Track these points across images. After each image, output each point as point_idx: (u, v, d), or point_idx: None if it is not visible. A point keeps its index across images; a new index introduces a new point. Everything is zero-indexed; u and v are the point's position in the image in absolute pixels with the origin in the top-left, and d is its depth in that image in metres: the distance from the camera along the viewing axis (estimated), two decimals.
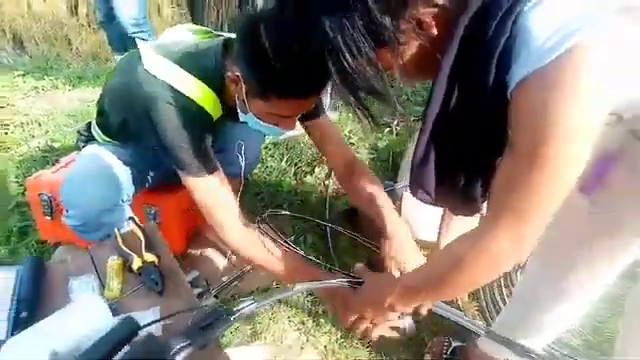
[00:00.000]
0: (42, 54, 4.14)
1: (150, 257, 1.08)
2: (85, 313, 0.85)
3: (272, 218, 1.30)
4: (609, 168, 1.02)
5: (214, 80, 1.18)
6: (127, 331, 0.75)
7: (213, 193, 1.20)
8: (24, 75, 3.50)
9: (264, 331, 1.65)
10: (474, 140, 0.79)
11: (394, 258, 1.27)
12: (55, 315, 0.84)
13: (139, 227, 1.16)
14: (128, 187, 1.40)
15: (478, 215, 1.08)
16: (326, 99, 2.46)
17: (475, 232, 0.84)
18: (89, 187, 1.31)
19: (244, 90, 1.11)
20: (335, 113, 2.54)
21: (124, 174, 1.37)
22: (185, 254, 1.78)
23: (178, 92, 1.14)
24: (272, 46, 0.98)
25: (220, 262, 1.73)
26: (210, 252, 1.77)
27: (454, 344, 1.58)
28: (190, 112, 1.15)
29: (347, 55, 0.73)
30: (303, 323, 1.70)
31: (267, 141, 2.37)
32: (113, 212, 1.36)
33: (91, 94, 3.23)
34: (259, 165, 2.28)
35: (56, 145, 2.64)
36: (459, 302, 1.79)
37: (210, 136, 1.25)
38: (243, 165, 1.33)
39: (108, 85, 1.38)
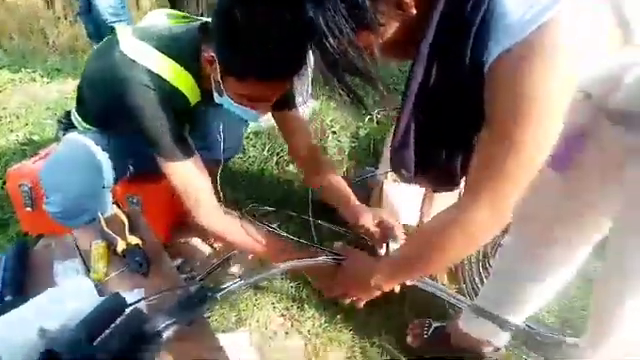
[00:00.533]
0: (17, 48, 4.06)
1: (134, 240, 1.09)
2: (72, 293, 0.86)
3: (254, 210, 1.32)
4: (579, 146, 1.06)
5: (191, 63, 1.18)
6: (114, 307, 0.76)
7: (190, 177, 1.21)
8: (0, 68, 3.44)
9: (249, 317, 1.67)
10: (453, 117, 0.82)
11: (380, 222, 1.33)
12: (42, 295, 0.85)
13: (122, 211, 1.16)
14: (108, 174, 1.40)
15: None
16: (307, 88, 2.48)
17: (454, 208, 0.87)
18: (70, 171, 1.31)
19: (219, 71, 1.11)
20: (316, 102, 2.55)
21: (105, 160, 1.37)
22: (170, 243, 1.79)
23: (155, 74, 1.14)
24: (248, 27, 0.97)
25: (205, 250, 1.75)
26: (195, 240, 1.78)
27: (434, 325, 1.62)
28: (167, 95, 1.16)
29: (329, 36, 0.75)
30: (287, 309, 1.72)
31: (249, 131, 2.38)
32: (93, 198, 1.36)
33: (69, 86, 3.19)
34: (241, 155, 2.29)
35: (35, 138, 2.61)
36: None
37: (188, 121, 1.25)
38: (222, 145, 1.33)
39: (86, 71, 1.38)
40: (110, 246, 1.09)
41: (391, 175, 2.04)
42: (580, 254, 1.27)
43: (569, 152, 1.07)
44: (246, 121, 2.24)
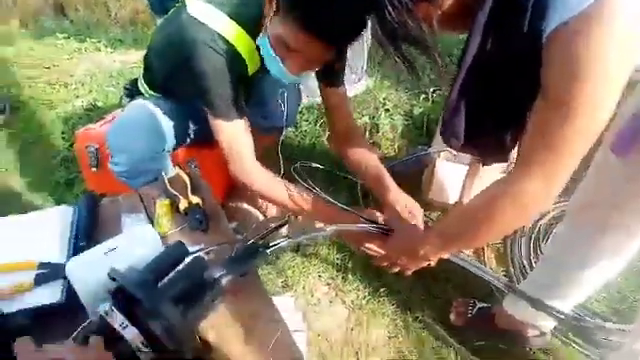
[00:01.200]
0: (82, 19, 4.25)
1: (195, 199, 1.15)
2: (139, 238, 0.92)
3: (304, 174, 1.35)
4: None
5: (256, 30, 1.20)
6: (177, 254, 0.81)
7: (237, 135, 1.25)
8: (67, 38, 3.62)
9: (295, 284, 1.73)
10: (507, 87, 0.81)
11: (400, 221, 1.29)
12: (112, 239, 0.91)
13: (185, 172, 1.22)
14: (170, 138, 1.47)
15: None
16: (363, 65, 2.47)
17: (507, 178, 0.87)
18: (135, 133, 1.38)
19: (274, 7, 1.09)
20: (370, 79, 2.54)
21: (168, 125, 1.44)
22: (223, 207, 1.86)
23: (221, 37, 1.17)
24: None
25: (257, 215, 1.80)
26: (246, 206, 1.84)
27: (479, 305, 1.62)
28: (230, 58, 1.19)
29: (388, 6, 0.76)
30: (333, 279, 1.76)
31: (302, 106, 2.40)
32: (155, 160, 1.43)
33: (131, 57, 3.32)
34: (293, 129, 2.33)
35: (99, 104, 2.74)
36: (487, 266, 1.82)
37: (244, 86, 1.28)
38: (285, 111, 1.36)
39: (154, 38, 1.43)
40: (173, 204, 1.15)
41: (444, 154, 2.02)
42: (635, 243, 1.23)
43: (632, 136, 1.03)
44: (300, 96, 2.29)
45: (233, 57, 1.20)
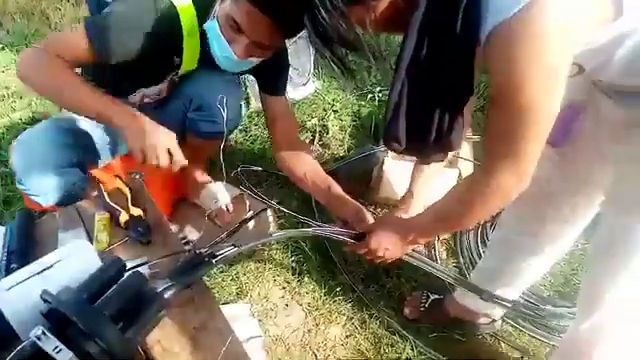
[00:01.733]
0: (20, 29, 4.06)
1: (136, 211, 1.12)
2: (75, 257, 0.89)
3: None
4: (575, 120, 1.07)
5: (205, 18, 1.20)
6: (115, 270, 0.79)
7: (71, 50, 1.18)
8: (2, 49, 3.45)
9: (250, 290, 1.71)
10: (443, 88, 0.84)
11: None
12: (44, 258, 0.87)
13: (124, 183, 1.19)
14: (79, 150, 1.41)
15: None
16: (309, 68, 2.48)
17: (479, 177, 0.93)
18: (33, 149, 1.32)
19: None
20: (318, 82, 2.56)
21: (83, 137, 1.38)
22: (172, 219, 1.82)
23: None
24: None
25: (206, 226, 1.77)
26: (196, 216, 1.80)
27: (432, 297, 1.65)
28: (165, 13, 1.18)
29: (321, 9, 0.76)
30: (288, 282, 1.76)
31: (251, 110, 2.39)
32: (62, 176, 1.36)
33: None
34: (243, 134, 2.31)
35: (38, 117, 2.63)
36: (438, 260, 1.86)
37: (175, 53, 1.26)
38: (225, 116, 1.34)
39: None
40: (112, 218, 1.12)
41: (392, 152, 2.05)
42: (576, 229, 1.29)
43: (565, 127, 1.08)
44: (245, 97, 2.27)
45: (171, 16, 1.18)
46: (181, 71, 1.35)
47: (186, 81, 1.38)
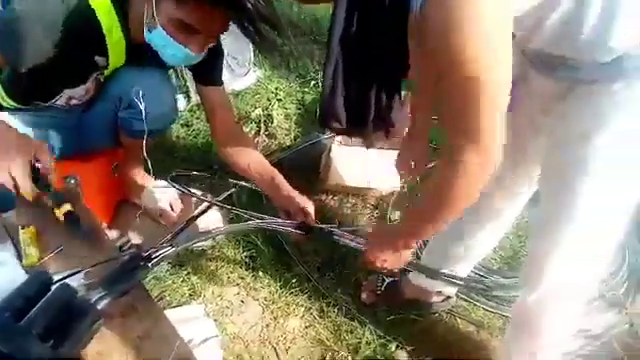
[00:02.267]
0: None
1: (66, 207, 1.02)
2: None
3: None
4: (512, 92, 1.08)
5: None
6: (38, 284, 0.72)
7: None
8: None
9: (203, 289, 1.66)
10: (378, 63, 0.81)
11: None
12: None
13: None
14: None
15: None
16: (250, 57, 2.42)
17: (442, 165, 0.87)
18: None
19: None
20: (260, 71, 2.50)
21: None
22: (113, 223, 1.73)
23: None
24: None
25: (151, 228, 1.70)
26: (139, 218, 1.73)
27: (387, 280, 1.66)
28: (82, 13, 1.10)
29: None
30: (242, 278, 1.71)
31: (192, 103, 2.31)
32: None
33: None
34: (185, 128, 2.23)
35: None
36: None
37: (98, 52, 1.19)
38: (142, 109, 1.27)
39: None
40: (38, 233, 1.03)
41: (338, 138, 2.04)
42: (518, 202, 1.31)
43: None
44: (185, 91, 2.19)
45: (87, 15, 1.11)
46: (108, 70, 1.27)
47: (113, 80, 1.31)
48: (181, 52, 1.12)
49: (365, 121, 0.89)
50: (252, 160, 1.36)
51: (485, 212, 1.31)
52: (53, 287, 0.74)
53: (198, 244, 1.57)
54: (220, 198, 1.24)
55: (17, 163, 0.96)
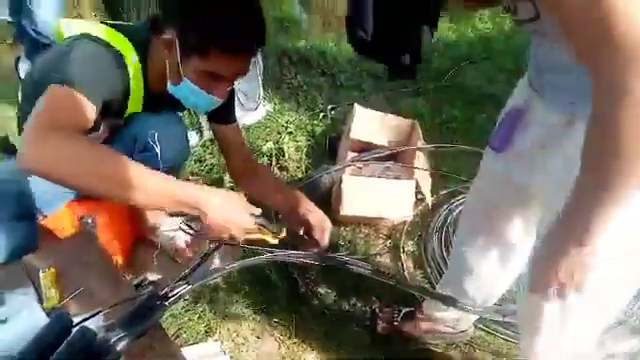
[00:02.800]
0: None
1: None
2: (22, 321, 0.83)
3: None
4: (517, 125, 1.07)
5: (141, 50, 1.18)
6: (60, 327, 0.73)
7: (63, 104, 0.99)
8: None
9: (218, 326, 1.65)
10: None
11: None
12: None
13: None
14: (26, 199, 1.34)
15: None
16: (259, 92, 2.47)
17: (598, 101, 0.67)
18: None
19: (179, 51, 1.10)
20: (269, 104, 2.55)
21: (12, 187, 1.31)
22: (129, 261, 1.75)
23: (102, 40, 1.12)
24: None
25: (167, 265, 1.72)
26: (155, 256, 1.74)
27: (403, 310, 1.64)
28: (111, 53, 1.13)
29: None
30: (257, 313, 1.70)
31: (204, 138, 2.35)
32: (11, 230, 1.27)
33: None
34: (198, 164, 2.27)
35: None
36: (405, 272, 1.86)
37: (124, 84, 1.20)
38: (158, 151, 1.31)
39: (26, 80, 1.33)
40: (58, 275, 1.05)
41: (349, 169, 2.06)
42: (526, 242, 1.24)
43: (508, 131, 1.07)
44: (198, 127, 2.24)
45: (115, 54, 1.14)
46: (126, 114, 1.31)
47: (128, 123, 1.34)
48: (206, 99, 1.18)
49: (391, 39, 0.86)
50: (269, 184, 1.44)
51: (499, 249, 1.29)
52: (73, 330, 0.75)
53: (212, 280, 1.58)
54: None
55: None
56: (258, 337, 1.65)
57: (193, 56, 1.10)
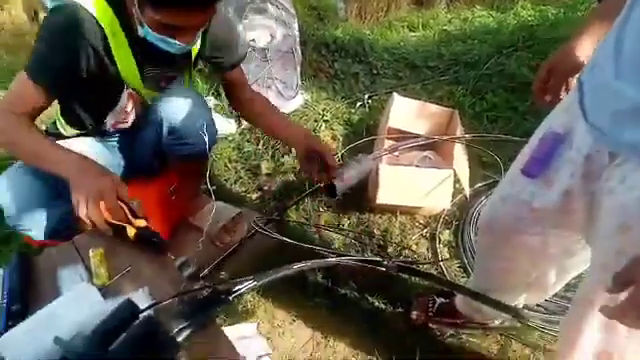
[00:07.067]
0: (7, 66, 4.06)
1: (140, 222, 1.10)
2: (78, 300, 0.88)
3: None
4: (555, 152, 0.99)
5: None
6: (127, 314, 0.76)
7: (23, 94, 1.19)
8: None
9: (256, 308, 1.70)
10: None
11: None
12: (49, 306, 0.86)
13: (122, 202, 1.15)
14: (51, 180, 1.32)
15: None
16: (297, 80, 2.49)
17: None
18: (17, 183, 1.30)
19: (136, 3, 1.11)
20: (307, 93, 2.56)
21: None
22: (173, 242, 1.80)
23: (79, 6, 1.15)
24: None
25: (207, 246, 1.76)
26: (195, 238, 1.79)
27: (439, 301, 1.64)
28: (87, 23, 1.15)
29: None
30: (293, 298, 1.74)
31: (242, 126, 2.39)
32: (50, 209, 1.34)
33: None
34: (236, 151, 2.31)
35: None
36: (441, 263, 1.86)
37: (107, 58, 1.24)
38: (207, 140, 1.34)
39: None
40: (104, 254, 1.10)
41: (386, 158, 2.05)
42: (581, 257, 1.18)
43: (546, 157, 1.01)
44: (237, 115, 2.28)
45: (93, 25, 1.17)
46: (126, 82, 1.33)
47: (152, 107, 1.38)
48: (172, 45, 1.18)
49: None
50: (279, 118, 1.53)
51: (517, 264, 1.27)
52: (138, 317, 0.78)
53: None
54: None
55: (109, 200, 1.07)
56: (293, 320, 1.69)
57: (147, 7, 1.10)
